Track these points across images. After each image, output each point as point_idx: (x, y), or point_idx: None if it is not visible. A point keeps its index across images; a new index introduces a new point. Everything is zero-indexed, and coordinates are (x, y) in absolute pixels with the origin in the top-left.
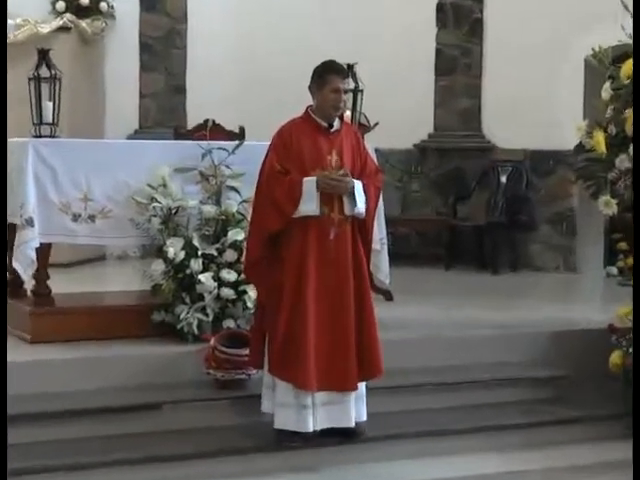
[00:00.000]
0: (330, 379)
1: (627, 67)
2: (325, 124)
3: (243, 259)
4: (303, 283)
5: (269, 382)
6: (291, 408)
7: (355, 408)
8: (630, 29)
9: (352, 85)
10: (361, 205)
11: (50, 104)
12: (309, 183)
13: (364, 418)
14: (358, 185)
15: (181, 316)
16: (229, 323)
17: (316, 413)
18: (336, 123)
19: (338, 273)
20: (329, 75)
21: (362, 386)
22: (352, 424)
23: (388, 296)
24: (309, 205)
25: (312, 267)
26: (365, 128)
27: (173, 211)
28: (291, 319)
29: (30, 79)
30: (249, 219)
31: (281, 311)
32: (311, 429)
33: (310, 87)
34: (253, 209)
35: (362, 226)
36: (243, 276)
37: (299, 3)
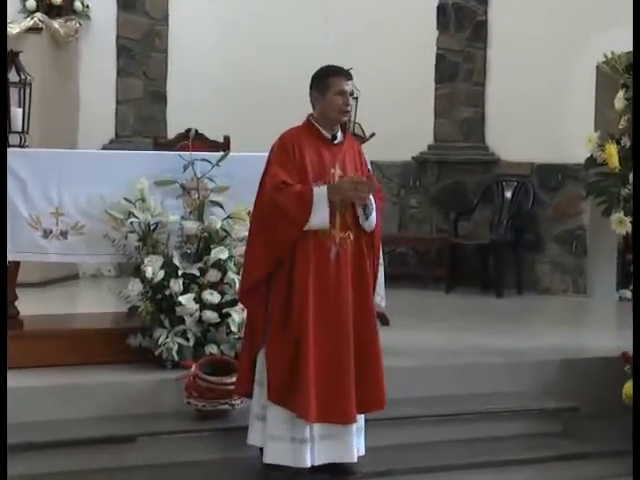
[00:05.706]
0: (330, 410)
1: None
2: (329, 135)
3: (238, 286)
4: (305, 307)
5: (258, 413)
6: (285, 441)
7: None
8: None
9: None
10: (374, 215)
11: (19, 111)
12: (321, 193)
13: (362, 452)
14: (370, 196)
15: (160, 341)
16: (212, 349)
17: (314, 447)
18: (339, 134)
19: (339, 297)
20: (332, 77)
21: (361, 419)
22: (355, 459)
23: (384, 320)
24: (320, 216)
25: (312, 290)
26: (360, 139)
27: (152, 227)
28: (296, 344)
29: None
30: (248, 237)
31: (286, 336)
32: (309, 464)
33: (311, 95)
34: (256, 224)
35: (369, 243)
36: (227, 298)
37: (290, 4)
